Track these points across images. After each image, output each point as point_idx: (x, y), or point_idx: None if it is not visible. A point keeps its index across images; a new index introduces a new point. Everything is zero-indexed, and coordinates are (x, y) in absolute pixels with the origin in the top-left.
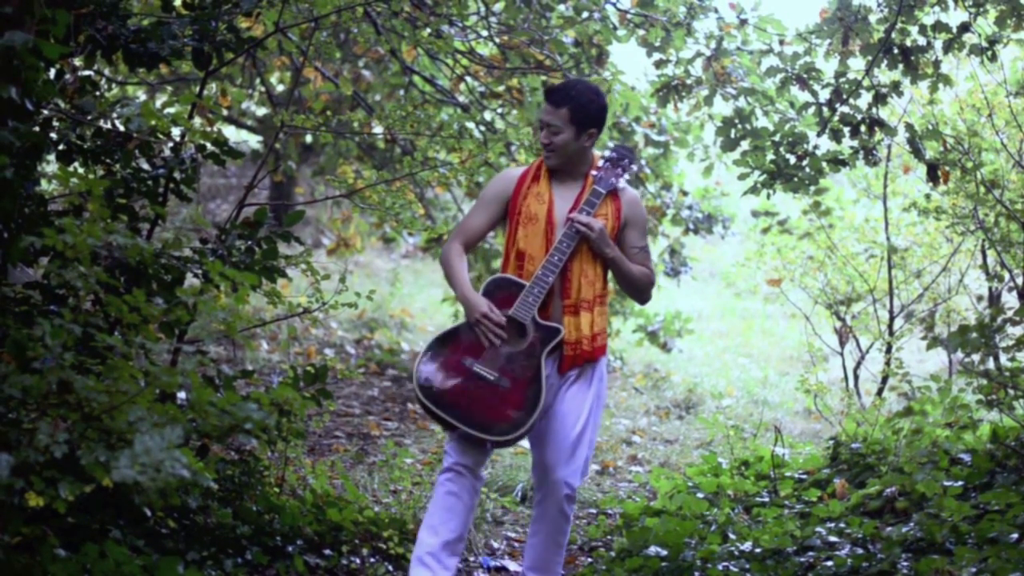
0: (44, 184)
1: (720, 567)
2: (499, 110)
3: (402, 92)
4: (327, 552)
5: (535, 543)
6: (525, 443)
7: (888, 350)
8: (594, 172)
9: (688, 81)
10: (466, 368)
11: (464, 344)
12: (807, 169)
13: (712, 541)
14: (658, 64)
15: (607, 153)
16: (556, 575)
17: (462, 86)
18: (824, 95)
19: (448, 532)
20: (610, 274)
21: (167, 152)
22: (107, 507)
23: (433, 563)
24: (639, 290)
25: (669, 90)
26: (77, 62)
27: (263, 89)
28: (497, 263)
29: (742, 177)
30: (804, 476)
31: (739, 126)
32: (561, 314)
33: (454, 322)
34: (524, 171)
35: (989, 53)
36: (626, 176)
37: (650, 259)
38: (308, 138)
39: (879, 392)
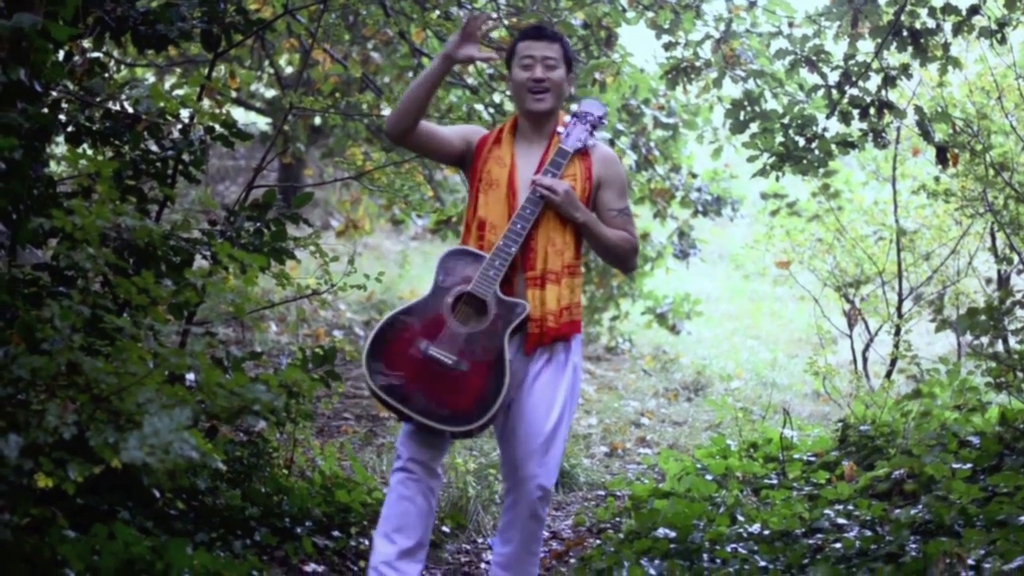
0: (53, 166)
1: (729, 549)
2: (508, 92)
3: (411, 74)
4: (336, 533)
5: (507, 552)
6: None
7: (897, 332)
8: (560, 129)
9: (697, 63)
10: (421, 352)
11: (418, 325)
12: (816, 151)
13: (721, 523)
14: (667, 46)
15: (574, 108)
16: None
17: (471, 68)
18: (833, 77)
19: (405, 540)
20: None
21: (176, 134)
22: (116, 488)
23: (390, 572)
24: (619, 257)
25: (678, 72)
26: (86, 44)
27: (272, 71)
28: None
29: (751, 159)
30: (813, 458)
31: (748, 108)
32: (525, 288)
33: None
34: (487, 134)
35: (999, 35)
36: (596, 132)
37: (631, 222)
38: (317, 120)
39: (888, 374)
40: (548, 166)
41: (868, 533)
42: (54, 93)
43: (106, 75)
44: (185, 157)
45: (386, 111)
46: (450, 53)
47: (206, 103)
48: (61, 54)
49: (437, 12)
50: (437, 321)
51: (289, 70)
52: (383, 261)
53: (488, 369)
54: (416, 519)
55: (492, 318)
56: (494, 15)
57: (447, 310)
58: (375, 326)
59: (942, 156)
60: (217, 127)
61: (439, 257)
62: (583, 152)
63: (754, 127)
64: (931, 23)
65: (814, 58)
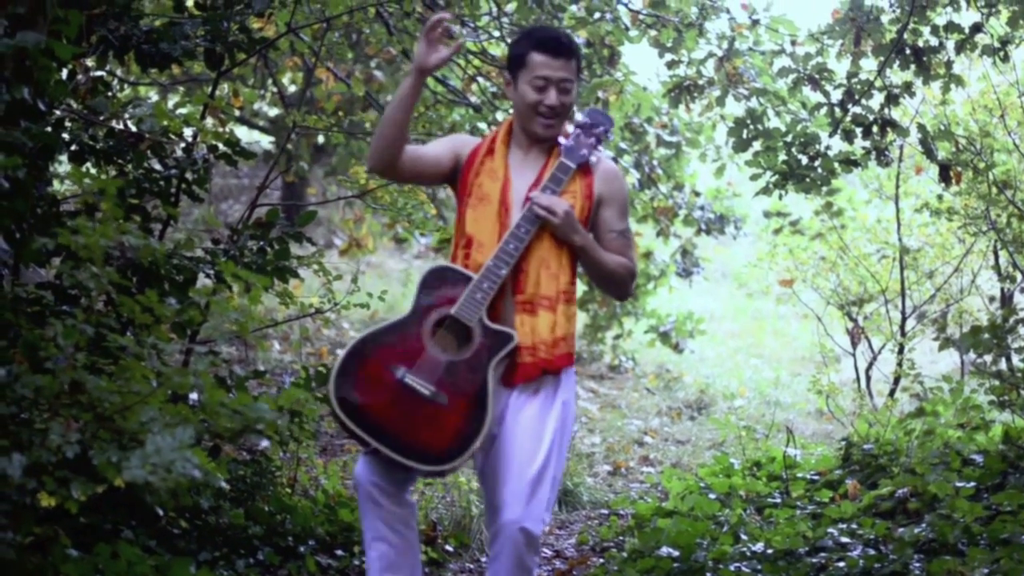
0: (56, 184)
1: (732, 568)
2: (511, 110)
3: None
4: (339, 552)
5: None
6: None
7: (900, 351)
8: (563, 141)
9: (700, 82)
10: (395, 379)
11: (394, 348)
12: (819, 170)
13: (724, 542)
14: (670, 65)
15: (578, 118)
16: None
17: (474, 86)
18: (836, 96)
19: None
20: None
21: (179, 152)
22: (119, 507)
23: None
24: (616, 284)
25: (681, 91)
26: (89, 63)
27: (275, 90)
28: None
29: (754, 178)
30: (816, 477)
31: (751, 127)
32: (512, 313)
33: None
34: (478, 144)
35: (1001, 54)
36: (601, 146)
37: (631, 246)
38: (320, 138)
39: (891, 393)
40: (547, 182)
41: (872, 552)
42: (58, 112)
43: (109, 94)
44: (188, 176)
45: None
46: (422, 64)
47: (209, 122)
48: (65, 73)
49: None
50: (416, 345)
51: (292, 89)
52: (386, 280)
53: (469, 404)
54: (402, 565)
55: (476, 347)
56: (448, 14)
57: (427, 334)
58: (347, 345)
59: (945, 174)
60: (220, 146)
61: (421, 274)
62: (586, 167)
63: (757, 145)
64: (934, 41)
65: (817, 76)
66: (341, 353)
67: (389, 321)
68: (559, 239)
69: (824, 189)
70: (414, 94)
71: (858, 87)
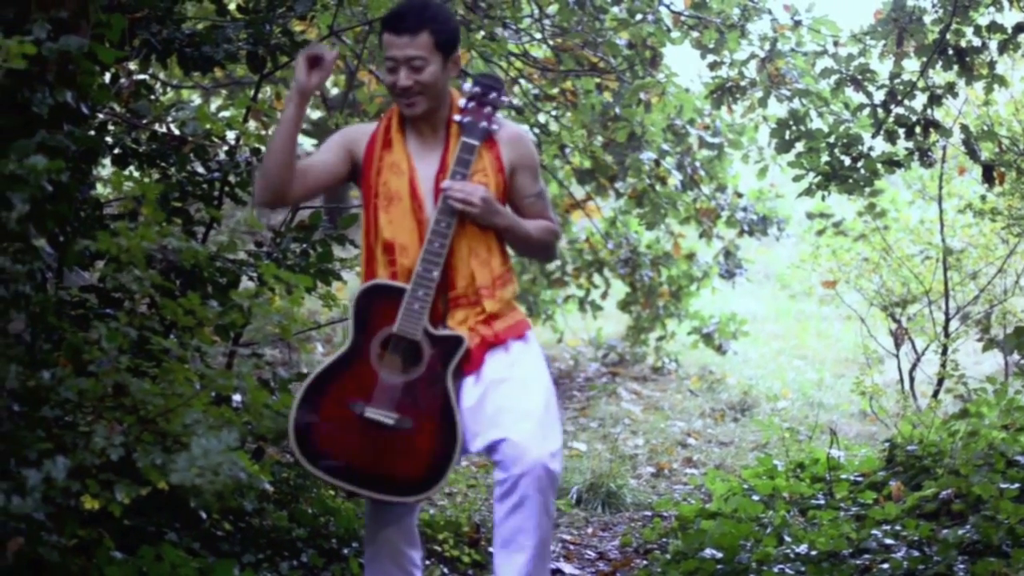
0: (99, 188)
1: (776, 569)
2: (553, 112)
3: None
4: None
5: (523, 561)
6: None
7: (944, 352)
8: (457, 117)
9: (742, 83)
10: (356, 416)
11: (346, 383)
12: (862, 171)
13: (767, 543)
14: (712, 66)
15: (467, 88)
16: None
17: (516, 88)
18: (879, 96)
19: None
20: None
21: (222, 156)
22: (163, 510)
23: None
24: (544, 249)
25: (723, 92)
26: (132, 66)
27: (317, 92)
28: None
29: (797, 179)
30: (860, 478)
31: (793, 128)
32: (449, 311)
33: None
34: (372, 135)
35: None
36: (498, 113)
37: (548, 205)
38: None
39: (935, 394)
40: (456, 167)
41: (916, 553)
42: (101, 115)
43: (152, 97)
44: (231, 179)
45: None
46: (304, 87)
47: (252, 125)
48: (107, 76)
49: (482, 33)
50: (367, 375)
51: (335, 91)
52: None
53: (436, 422)
54: None
55: (428, 359)
56: (325, 48)
57: (375, 359)
58: (296, 394)
59: (988, 175)
60: (263, 149)
61: (352, 299)
62: (489, 138)
63: (800, 146)
64: (976, 41)
65: (859, 77)
66: (293, 404)
67: (334, 356)
68: (481, 225)
69: (867, 190)
70: (299, 119)
71: (901, 88)
